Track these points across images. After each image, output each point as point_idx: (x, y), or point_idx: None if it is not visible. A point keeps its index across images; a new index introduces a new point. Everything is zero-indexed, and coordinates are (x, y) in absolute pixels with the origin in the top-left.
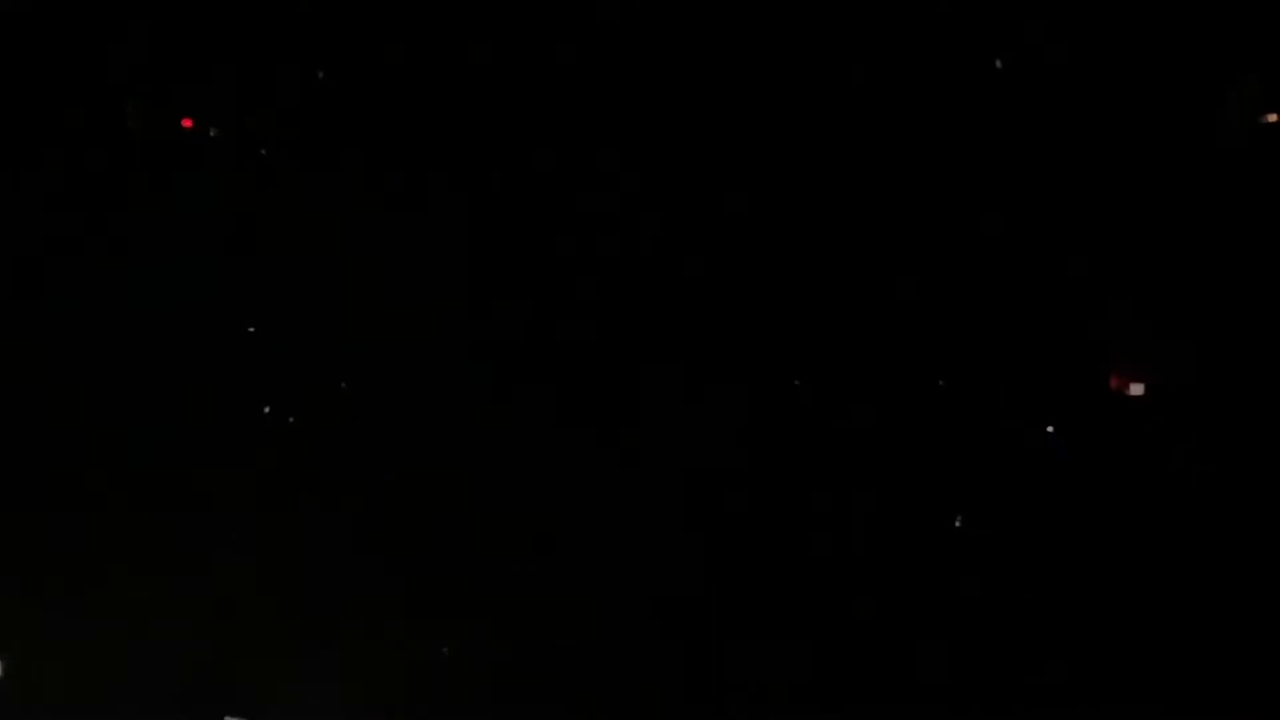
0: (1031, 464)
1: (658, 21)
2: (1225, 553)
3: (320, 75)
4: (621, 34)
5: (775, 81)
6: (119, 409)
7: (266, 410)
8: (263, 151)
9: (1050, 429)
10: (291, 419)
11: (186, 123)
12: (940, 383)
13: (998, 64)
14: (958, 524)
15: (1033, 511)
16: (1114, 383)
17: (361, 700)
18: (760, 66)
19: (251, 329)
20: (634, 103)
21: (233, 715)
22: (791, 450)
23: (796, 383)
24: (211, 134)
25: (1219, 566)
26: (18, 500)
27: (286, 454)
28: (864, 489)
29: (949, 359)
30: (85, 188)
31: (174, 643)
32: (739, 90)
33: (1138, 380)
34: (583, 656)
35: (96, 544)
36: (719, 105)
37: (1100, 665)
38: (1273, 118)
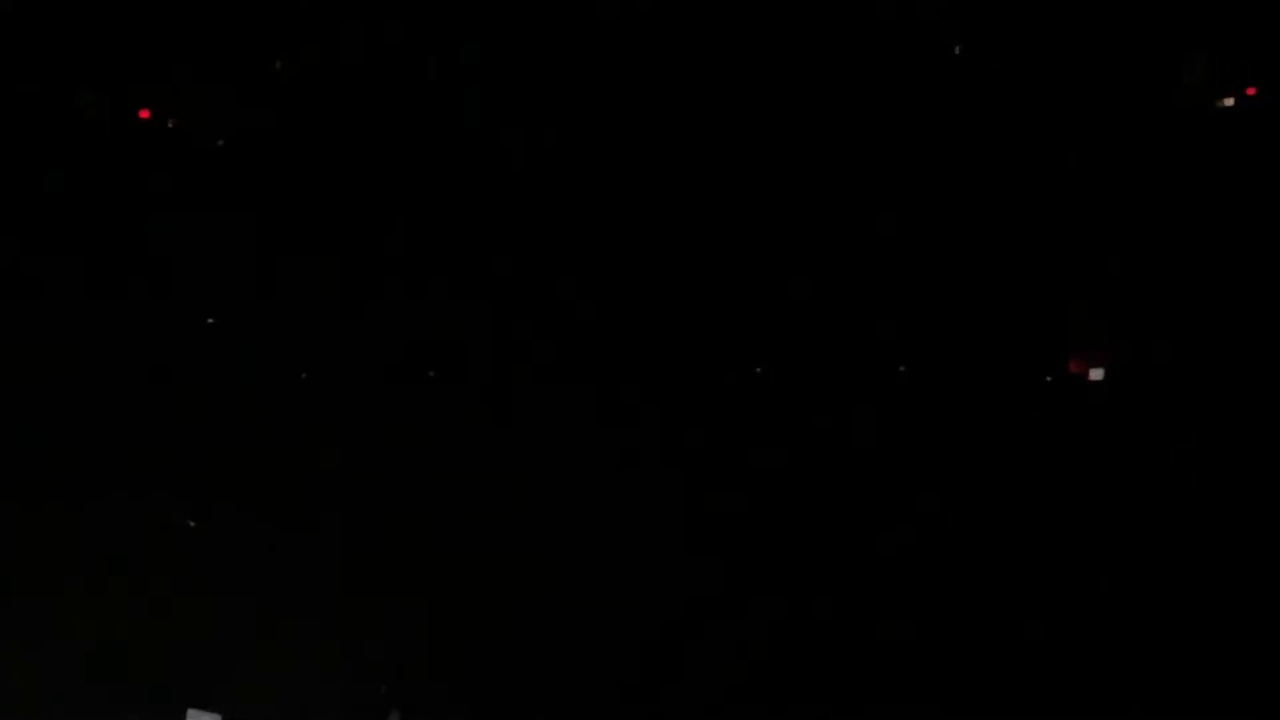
0: (996, 450)
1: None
2: (1190, 537)
3: (278, 65)
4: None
5: (732, 74)
6: (75, 401)
7: (228, 401)
8: (220, 142)
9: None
10: (254, 409)
11: (144, 113)
12: (901, 369)
13: (956, 50)
14: (920, 507)
15: (996, 494)
16: (1073, 367)
17: (323, 692)
18: (715, 58)
19: (210, 320)
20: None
21: (196, 709)
22: (757, 436)
23: (758, 369)
24: (169, 125)
25: (1187, 553)
26: None
27: (249, 445)
28: (829, 475)
29: (910, 345)
30: (41, 179)
31: (138, 639)
32: (691, 84)
33: (1097, 365)
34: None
35: (59, 542)
36: (670, 98)
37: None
38: (1228, 102)
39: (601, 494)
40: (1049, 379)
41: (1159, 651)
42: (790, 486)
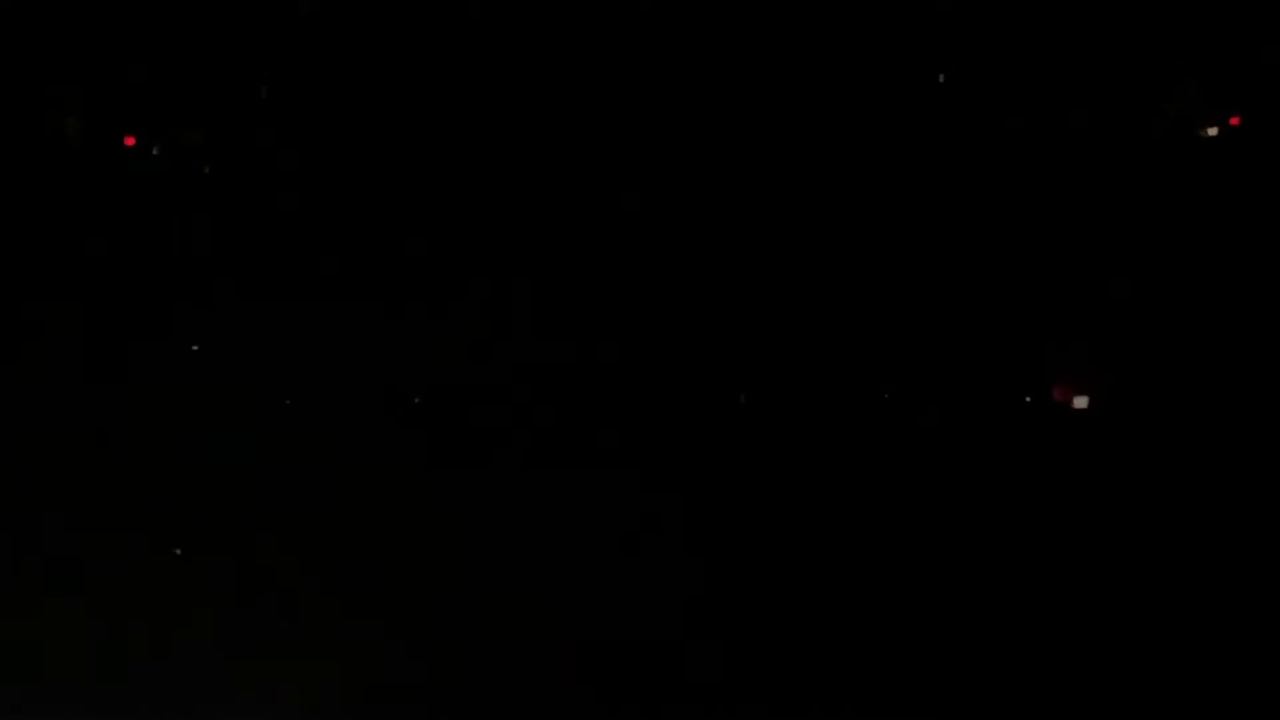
0: (978, 474)
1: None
2: (1178, 564)
3: (263, 93)
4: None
5: (723, 94)
6: (66, 419)
7: (214, 425)
8: (206, 170)
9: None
10: (239, 432)
11: (129, 140)
12: (885, 396)
13: (940, 79)
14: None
15: (981, 518)
16: (1057, 395)
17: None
18: (702, 74)
19: (195, 347)
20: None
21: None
22: (740, 461)
23: (742, 398)
24: (154, 151)
25: (1176, 580)
26: None
27: (235, 469)
28: (816, 499)
29: (895, 370)
30: (25, 205)
31: (123, 645)
32: (675, 97)
33: (1081, 393)
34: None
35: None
36: (650, 108)
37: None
38: (1212, 131)
39: (594, 501)
40: (1028, 399)
41: (1152, 665)
42: (777, 511)
